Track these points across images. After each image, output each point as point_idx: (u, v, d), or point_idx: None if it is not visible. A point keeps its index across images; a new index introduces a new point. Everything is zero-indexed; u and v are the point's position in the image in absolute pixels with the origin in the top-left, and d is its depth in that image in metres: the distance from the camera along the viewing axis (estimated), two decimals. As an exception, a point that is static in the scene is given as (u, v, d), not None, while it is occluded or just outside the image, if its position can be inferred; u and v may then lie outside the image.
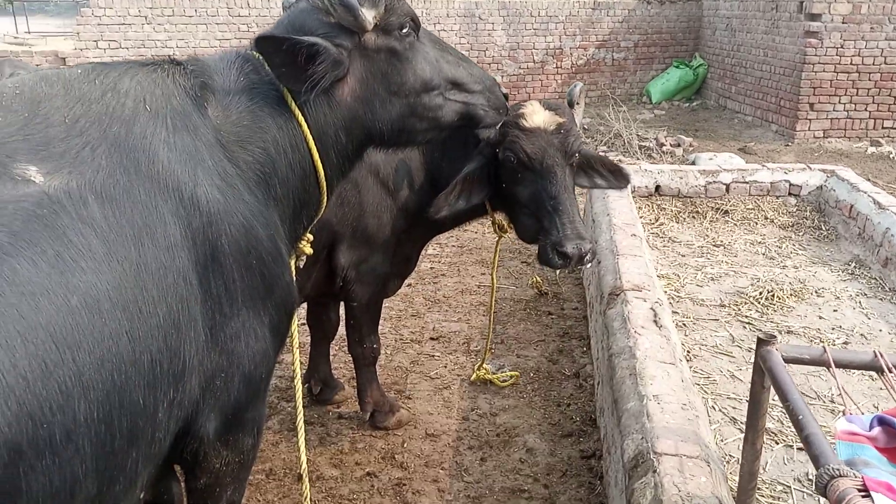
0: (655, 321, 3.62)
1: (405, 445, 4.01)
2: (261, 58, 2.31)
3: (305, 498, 2.61)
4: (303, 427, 2.69)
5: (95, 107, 1.94)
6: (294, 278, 2.49)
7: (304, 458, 2.69)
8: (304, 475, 2.62)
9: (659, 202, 7.02)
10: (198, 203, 1.98)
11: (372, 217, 3.71)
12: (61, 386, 1.52)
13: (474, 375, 4.62)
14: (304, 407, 4.35)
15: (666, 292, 4.81)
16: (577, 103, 3.88)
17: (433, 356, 5.03)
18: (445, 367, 4.87)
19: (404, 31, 2.44)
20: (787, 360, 2.32)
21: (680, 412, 2.81)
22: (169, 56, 2.29)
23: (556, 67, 16.25)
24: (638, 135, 11.74)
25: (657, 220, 6.63)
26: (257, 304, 2.20)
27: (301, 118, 2.33)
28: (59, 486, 1.51)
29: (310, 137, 2.36)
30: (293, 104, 2.31)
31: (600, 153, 3.82)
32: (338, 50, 2.29)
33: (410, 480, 3.71)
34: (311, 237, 2.73)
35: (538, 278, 6.04)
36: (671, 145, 11.72)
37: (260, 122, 2.28)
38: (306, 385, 4.42)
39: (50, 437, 1.49)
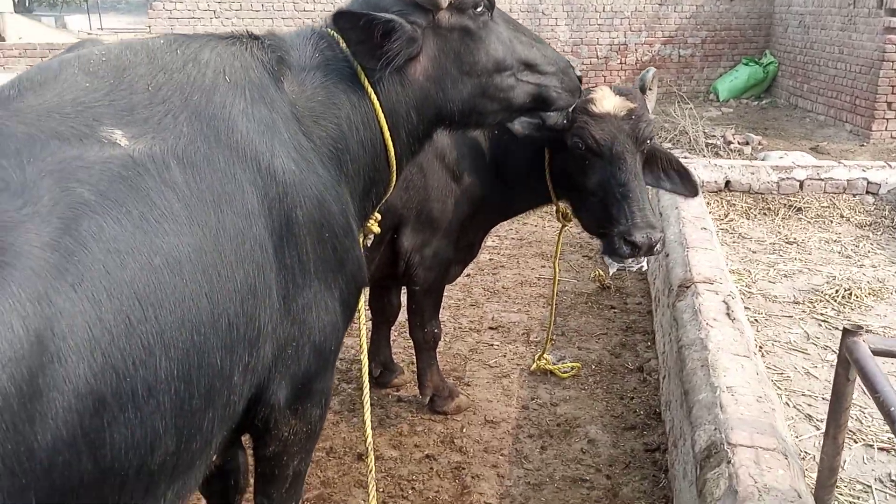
0: (728, 314, 3.50)
1: (464, 430, 4.00)
2: (335, 35, 2.32)
3: (371, 472, 2.60)
4: (369, 404, 2.68)
5: (177, 76, 1.98)
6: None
7: (369, 434, 2.69)
8: (369, 449, 2.62)
9: (729, 198, 6.81)
10: (274, 174, 2.00)
11: (437, 201, 3.70)
12: (143, 342, 1.55)
13: (534, 365, 4.57)
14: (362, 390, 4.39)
15: (737, 287, 4.66)
16: (650, 89, 3.78)
17: (492, 345, 4.99)
18: (504, 356, 4.83)
19: (478, 9, 2.41)
20: (876, 353, 2.21)
21: (755, 404, 2.70)
22: (247, 30, 2.32)
23: (621, 63, 15.99)
24: (704, 132, 11.43)
25: (727, 216, 6.43)
26: (328, 277, 2.21)
27: (373, 96, 2.33)
28: (140, 439, 1.54)
29: (381, 115, 2.36)
30: (366, 81, 2.31)
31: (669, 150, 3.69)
32: (412, 27, 2.28)
33: (469, 465, 3.69)
34: (378, 216, 2.73)
35: (601, 272, 5.94)
36: (739, 143, 11.37)
37: (334, 98, 2.29)
38: (371, 364, 4.44)
39: (132, 391, 1.52)
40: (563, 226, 3.93)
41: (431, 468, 3.68)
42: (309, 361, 2.18)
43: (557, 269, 4.27)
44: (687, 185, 3.57)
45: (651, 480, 3.50)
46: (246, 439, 2.37)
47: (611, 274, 5.86)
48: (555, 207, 3.78)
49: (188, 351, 1.65)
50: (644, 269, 3.44)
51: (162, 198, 1.69)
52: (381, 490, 3.52)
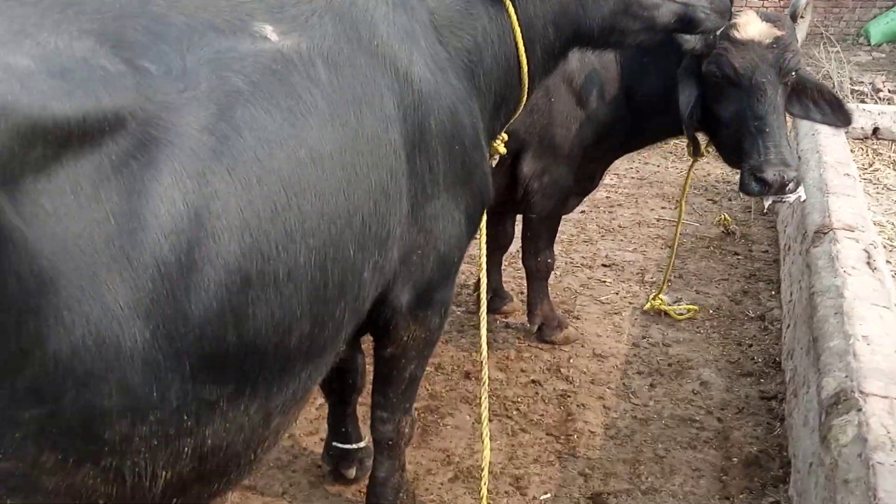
0: (868, 263, 3.26)
1: (571, 361, 4.00)
2: None
3: (484, 384, 2.65)
4: (485, 321, 2.71)
5: None
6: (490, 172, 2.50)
7: (484, 349, 2.70)
8: (484, 363, 2.66)
9: (875, 146, 6.27)
10: (411, 81, 2.01)
11: (560, 127, 3.61)
12: (286, 228, 1.63)
13: (648, 305, 4.48)
14: (471, 313, 4.47)
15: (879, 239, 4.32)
16: (802, 17, 3.48)
17: (604, 282, 4.92)
18: (617, 293, 4.75)
19: None
20: None
21: (893, 356, 2.53)
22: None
23: (762, 1, 14.80)
24: (851, 78, 10.46)
25: (871, 166, 5.93)
26: (456, 190, 2.23)
27: (511, 7, 2.28)
28: (279, 319, 1.63)
29: (518, 29, 2.30)
30: None
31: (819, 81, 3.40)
32: None
33: (575, 394, 3.70)
34: (505, 137, 2.71)
35: (726, 216, 5.67)
36: (890, 91, 10.35)
37: (471, 8, 2.25)
38: (476, 293, 4.50)
39: (274, 274, 1.60)
40: (693, 161, 3.76)
41: (536, 393, 3.72)
42: (432, 270, 2.23)
43: (683, 208, 4.11)
44: (839, 114, 3.30)
45: (765, 427, 3.40)
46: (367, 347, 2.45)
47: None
48: (687, 139, 3.61)
49: (325, 241, 1.71)
50: (802, 199, 3.23)
51: (308, 94, 1.74)
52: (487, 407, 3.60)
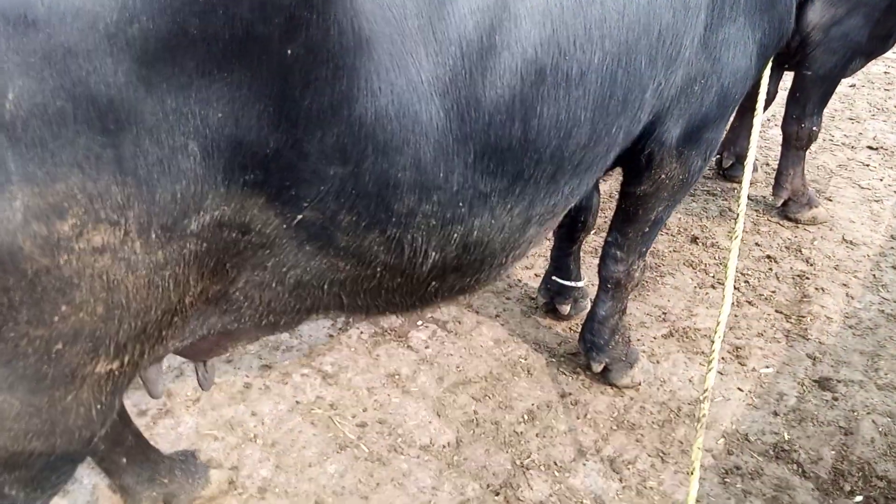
0: None
1: (814, 243, 3.64)
2: None
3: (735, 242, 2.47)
4: (749, 176, 2.47)
5: None
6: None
7: (741, 214, 2.48)
8: (738, 222, 2.46)
9: None
10: None
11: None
12: (587, 25, 1.53)
13: (919, 197, 3.90)
14: (707, 179, 4.17)
15: None
16: None
17: (867, 165, 4.34)
18: (881, 180, 4.18)
19: None
20: None
21: None
22: None
23: None
24: None
25: None
26: (755, 17, 1.97)
27: None
28: (562, 122, 1.57)
29: None
30: None
31: None
32: None
33: (815, 276, 3.40)
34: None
35: None
36: None
37: None
38: (716, 157, 4.17)
39: (568, 72, 1.53)
40: None
41: (770, 269, 3.46)
42: (710, 105, 2.04)
43: None
44: None
45: None
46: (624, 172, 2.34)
47: None
48: None
49: (620, 48, 1.60)
50: None
51: None
52: (712, 274, 3.43)
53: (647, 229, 2.40)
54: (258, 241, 1.39)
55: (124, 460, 2.11)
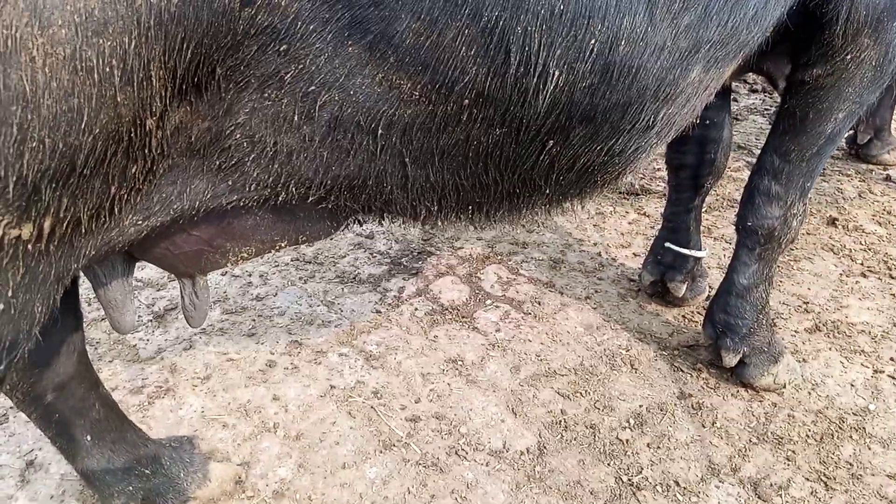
0: None
1: None
2: None
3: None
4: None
5: None
6: None
7: None
8: None
9: None
10: None
11: None
12: None
13: None
14: (838, 160, 3.46)
15: None
16: None
17: None
18: None
19: None
20: None
21: None
22: None
23: None
24: None
25: None
26: None
27: None
28: None
29: None
30: None
31: None
32: None
33: None
34: None
35: None
36: None
37: None
38: (850, 133, 3.45)
39: None
40: None
41: (937, 258, 2.73)
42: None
43: None
44: None
45: None
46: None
47: None
48: None
49: None
50: None
51: None
52: (860, 262, 2.71)
53: (817, 149, 1.72)
54: (268, 23, 0.82)
55: (88, 438, 1.53)
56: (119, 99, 0.76)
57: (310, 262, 2.72)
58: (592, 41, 0.96)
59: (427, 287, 2.59)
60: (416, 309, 2.46)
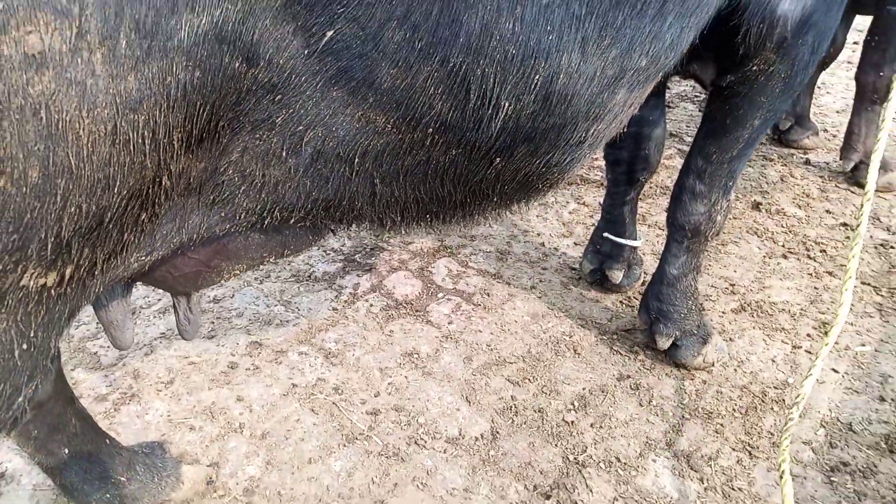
0: None
1: (892, 210, 3.15)
2: None
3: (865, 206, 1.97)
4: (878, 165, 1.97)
5: None
6: None
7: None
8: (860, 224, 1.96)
9: None
10: None
11: None
12: None
13: None
14: (762, 145, 3.68)
15: None
16: None
17: (938, 132, 3.85)
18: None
19: None
20: None
21: None
22: None
23: None
24: None
25: None
26: None
27: None
28: None
29: None
30: None
31: None
32: None
33: (904, 246, 2.91)
34: None
35: None
36: None
37: None
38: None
39: None
40: None
41: (847, 237, 2.97)
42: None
43: None
44: None
45: None
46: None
47: None
48: None
49: None
50: None
51: None
52: (781, 244, 2.93)
53: (738, 151, 1.89)
54: (267, 80, 0.92)
55: (66, 451, 1.60)
56: (147, 163, 0.85)
57: (264, 262, 2.79)
58: (536, 76, 1.10)
59: (381, 283, 2.69)
60: (371, 305, 2.56)
